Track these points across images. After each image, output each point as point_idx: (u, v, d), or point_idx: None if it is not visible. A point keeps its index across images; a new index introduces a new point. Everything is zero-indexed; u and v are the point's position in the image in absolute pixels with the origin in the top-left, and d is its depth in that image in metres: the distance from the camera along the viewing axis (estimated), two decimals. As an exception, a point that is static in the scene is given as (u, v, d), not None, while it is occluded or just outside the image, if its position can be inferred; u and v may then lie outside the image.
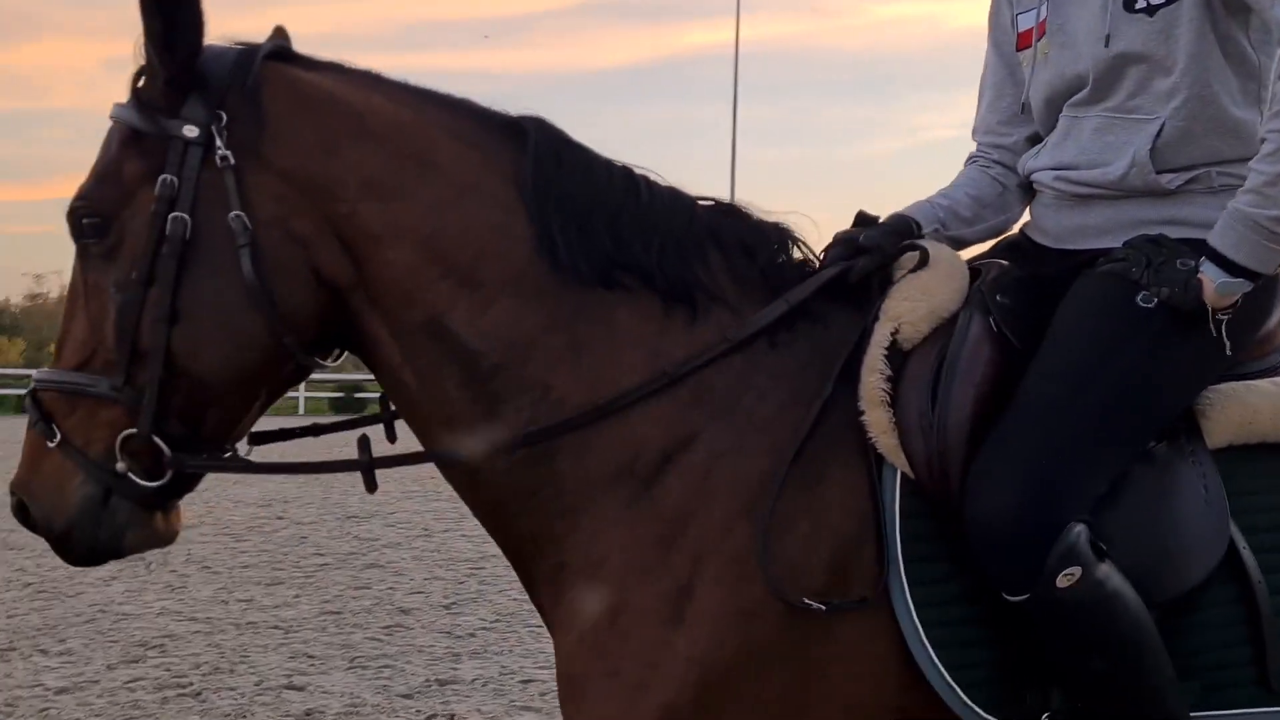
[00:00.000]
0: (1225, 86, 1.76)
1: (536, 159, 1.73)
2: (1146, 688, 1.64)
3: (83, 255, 1.73)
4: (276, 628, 5.95)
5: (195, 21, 1.69)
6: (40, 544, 6.34)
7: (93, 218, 1.70)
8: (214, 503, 10.69)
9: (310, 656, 5.37)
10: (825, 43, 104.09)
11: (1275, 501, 1.76)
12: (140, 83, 1.72)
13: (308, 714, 4.52)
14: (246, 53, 1.74)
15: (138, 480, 1.68)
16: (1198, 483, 1.72)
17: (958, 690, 1.63)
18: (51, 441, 1.69)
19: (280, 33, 1.84)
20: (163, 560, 7.79)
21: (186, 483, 1.76)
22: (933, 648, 1.62)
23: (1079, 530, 1.61)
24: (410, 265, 1.70)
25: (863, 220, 1.91)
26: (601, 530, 1.67)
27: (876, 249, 1.81)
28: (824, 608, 1.60)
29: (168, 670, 5.13)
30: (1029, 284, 1.83)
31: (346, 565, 7.59)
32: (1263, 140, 1.63)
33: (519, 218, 1.72)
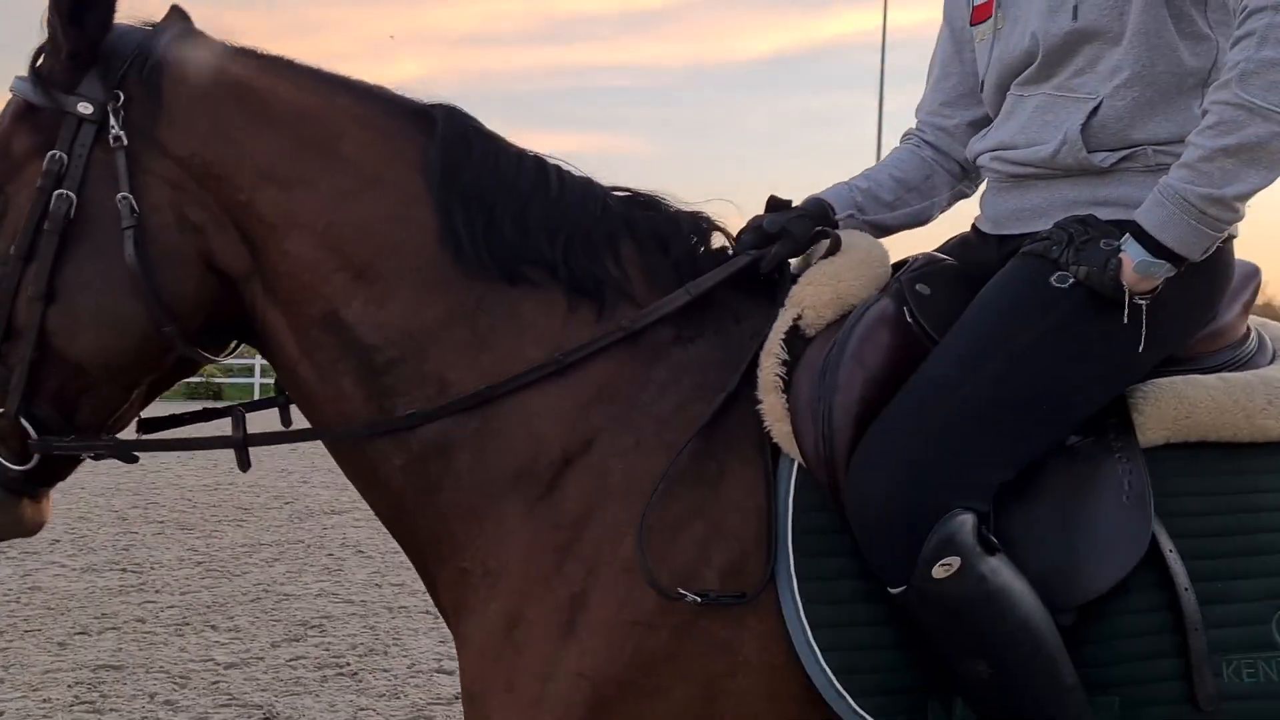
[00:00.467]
0: (1173, 65, 1.63)
1: (443, 148, 1.68)
2: (1039, 697, 1.49)
3: None
4: (427, 613, 6.16)
5: (86, 36, 1.63)
6: (210, 524, 6.71)
7: None
8: (367, 489, 11.12)
9: None
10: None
11: (1210, 505, 1.61)
12: (41, 57, 1.67)
13: (456, 697, 4.68)
14: (152, 34, 1.69)
15: (4, 463, 1.64)
16: (1120, 480, 1.57)
17: (847, 698, 1.50)
18: None
19: (178, 11, 1.77)
20: (320, 543, 8.18)
21: (57, 470, 1.71)
22: (820, 650, 1.50)
23: (962, 519, 1.48)
24: (307, 257, 1.65)
25: (775, 205, 1.81)
26: (502, 536, 1.61)
27: (788, 236, 1.73)
28: (698, 599, 1.50)
29: (326, 650, 5.38)
30: (957, 275, 1.73)
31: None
32: (1205, 112, 1.50)
33: (423, 208, 1.66)
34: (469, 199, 1.67)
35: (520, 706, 1.55)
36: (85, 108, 1.63)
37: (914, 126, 2.00)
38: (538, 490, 1.60)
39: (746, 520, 1.56)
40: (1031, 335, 1.57)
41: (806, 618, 1.51)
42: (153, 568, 7.25)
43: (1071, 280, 1.56)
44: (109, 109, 1.62)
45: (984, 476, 1.54)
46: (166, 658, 5.20)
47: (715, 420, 1.59)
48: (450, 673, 4.98)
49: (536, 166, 1.73)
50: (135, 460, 1.76)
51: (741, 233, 1.79)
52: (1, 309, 1.61)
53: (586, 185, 1.76)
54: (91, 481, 11.37)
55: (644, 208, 1.78)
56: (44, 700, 4.55)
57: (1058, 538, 1.55)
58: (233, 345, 1.82)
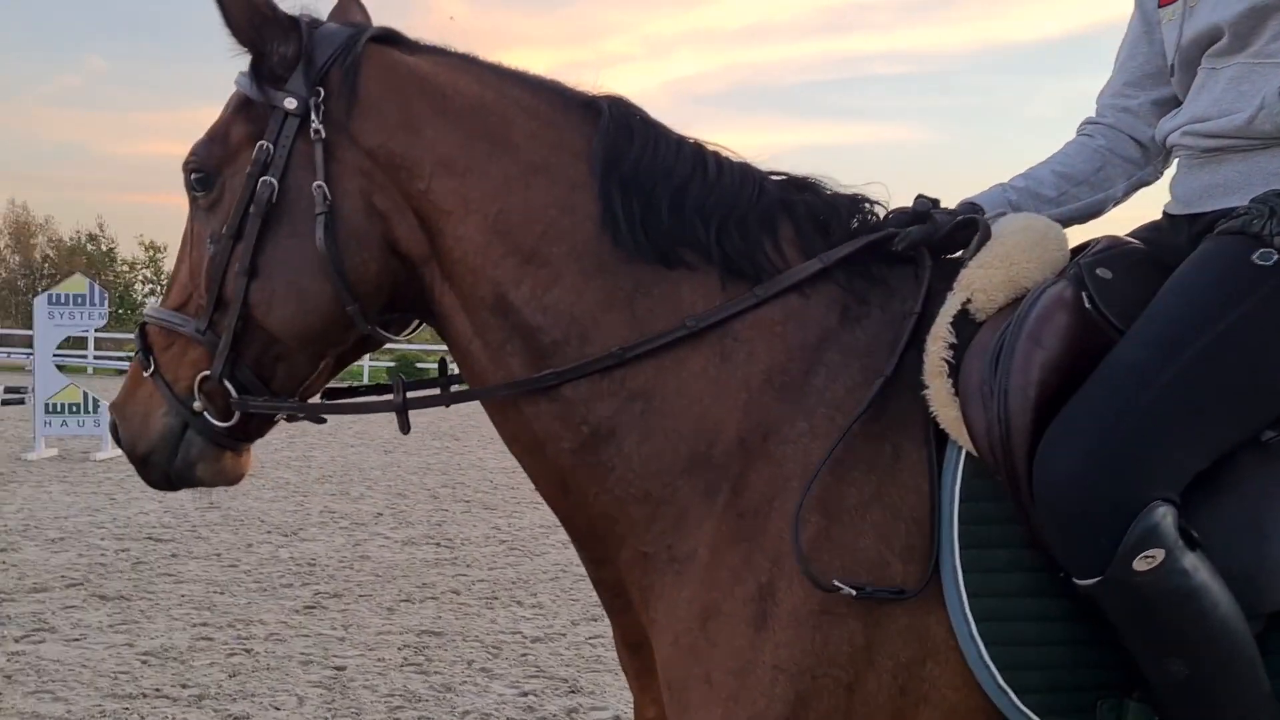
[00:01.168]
0: None
1: (606, 137, 1.73)
2: (1235, 702, 1.41)
3: (192, 206, 1.83)
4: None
5: (293, 36, 1.77)
6: (510, 505, 7.20)
7: (200, 173, 1.80)
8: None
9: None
10: None
11: None
12: (257, 55, 1.79)
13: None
14: (353, 35, 1.79)
15: (211, 419, 1.78)
16: None
17: (1009, 693, 1.45)
18: (147, 371, 1.81)
19: (359, 9, 1.91)
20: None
21: (256, 428, 1.84)
22: (984, 643, 1.45)
23: (1164, 510, 1.40)
24: (479, 241, 1.71)
25: (922, 202, 1.78)
26: (685, 523, 1.62)
27: (930, 220, 1.71)
28: (854, 592, 1.46)
29: (622, 631, 5.67)
30: (1144, 259, 1.62)
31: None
32: None
33: (586, 194, 1.71)
34: (628, 185, 1.72)
35: (720, 700, 1.56)
36: (291, 103, 1.75)
37: (1092, 114, 1.92)
38: (716, 477, 1.62)
39: (921, 504, 1.55)
40: (1234, 317, 1.48)
41: (971, 611, 1.47)
42: (463, 544, 7.85)
43: (1277, 256, 1.48)
44: (311, 104, 1.75)
45: (1182, 467, 1.47)
46: (480, 628, 5.65)
47: (883, 404, 1.57)
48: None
49: (695, 153, 1.77)
50: (323, 422, 1.91)
51: (888, 214, 1.79)
52: (214, 282, 1.76)
53: (744, 170, 1.78)
54: (406, 461, 12.41)
55: (801, 190, 1.79)
56: (379, 659, 5.07)
57: (1249, 538, 1.46)
58: (414, 325, 1.91)
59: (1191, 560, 1.41)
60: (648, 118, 1.81)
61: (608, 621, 4.48)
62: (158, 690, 4.55)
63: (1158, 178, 1.91)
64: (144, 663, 4.89)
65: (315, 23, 1.84)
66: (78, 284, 12.35)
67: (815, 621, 1.52)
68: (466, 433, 15.83)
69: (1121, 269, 1.62)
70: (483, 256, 1.73)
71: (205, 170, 1.80)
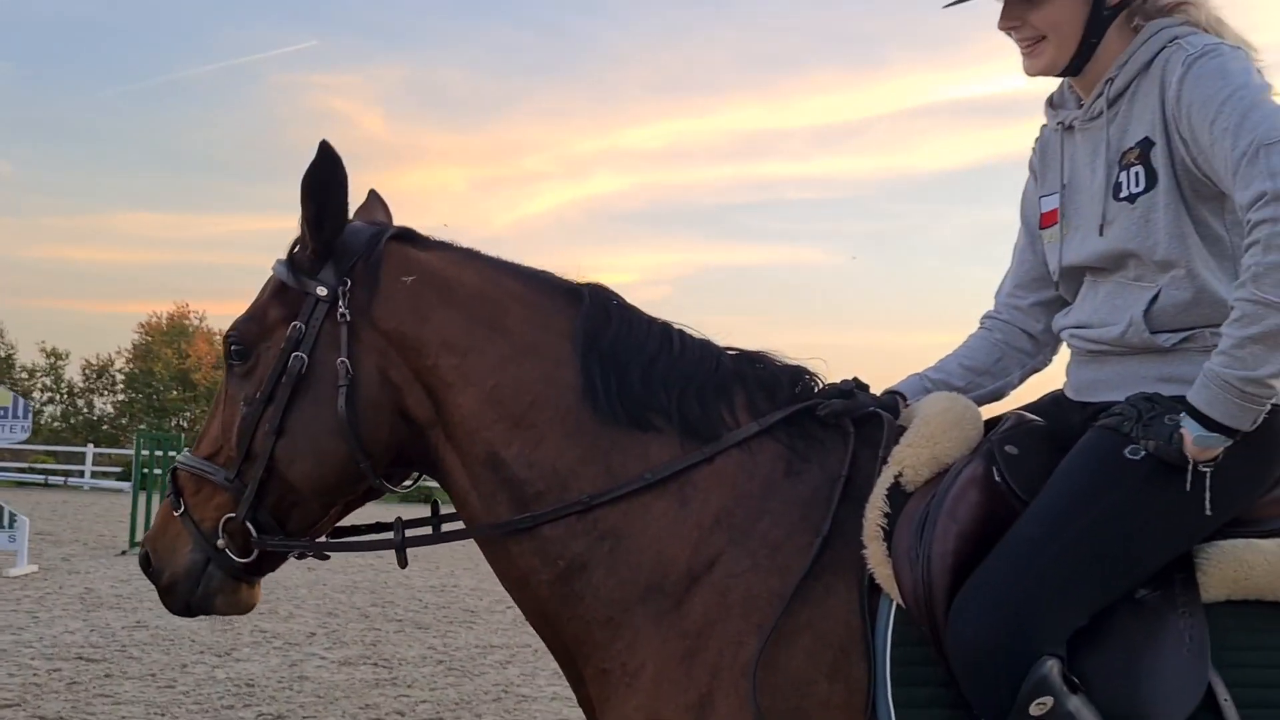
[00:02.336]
0: (1206, 264, 1.89)
1: (587, 320, 2.06)
2: None
3: (228, 371, 2.13)
4: None
5: (340, 212, 2.09)
6: (443, 624, 7.35)
7: (239, 345, 2.11)
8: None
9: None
10: None
11: (1266, 658, 1.77)
12: (295, 248, 2.12)
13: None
14: (376, 234, 2.12)
15: (232, 555, 2.07)
16: (1183, 633, 1.76)
17: None
18: (177, 512, 2.11)
19: (375, 195, 2.31)
20: (545, 649, 8.65)
21: (269, 563, 2.14)
22: None
23: (1052, 663, 1.71)
24: (476, 409, 2.03)
25: (857, 384, 2.13)
26: (637, 642, 1.90)
27: (853, 397, 2.06)
28: None
29: (570, 751, 5.79)
30: (1045, 435, 1.97)
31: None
32: (1231, 307, 1.73)
33: (569, 369, 2.03)
34: (606, 360, 2.03)
35: None
36: (322, 290, 2.08)
37: (992, 309, 2.30)
38: (667, 604, 1.90)
39: (848, 636, 1.84)
40: (1109, 501, 1.80)
41: None
42: (400, 664, 7.86)
43: (1143, 453, 1.79)
44: (339, 292, 2.07)
45: (1067, 624, 1.77)
46: (429, 749, 5.70)
47: (819, 552, 1.88)
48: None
49: (663, 331, 2.10)
50: (327, 558, 2.22)
51: (824, 387, 2.12)
52: (244, 438, 2.06)
53: (704, 346, 2.11)
54: (332, 579, 12.30)
55: (753, 362, 2.11)
56: (332, 780, 5.09)
57: (1124, 682, 1.75)
58: (414, 477, 2.22)
59: (1075, 703, 1.71)
60: (623, 301, 2.14)
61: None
62: (113, 813, 4.52)
63: (1047, 364, 2.30)
64: (94, 785, 4.85)
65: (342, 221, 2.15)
66: (1, 396, 12.18)
67: None
68: (390, 552, 15.70)
69: (1026, 446, 1.95)
70: (479, 421, 2.04)
71: (244, 344, 2.12)
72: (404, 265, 2.11)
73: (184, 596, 2.12)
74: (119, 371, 45.38)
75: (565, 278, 2.17)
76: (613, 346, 2.05)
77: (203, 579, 2.10)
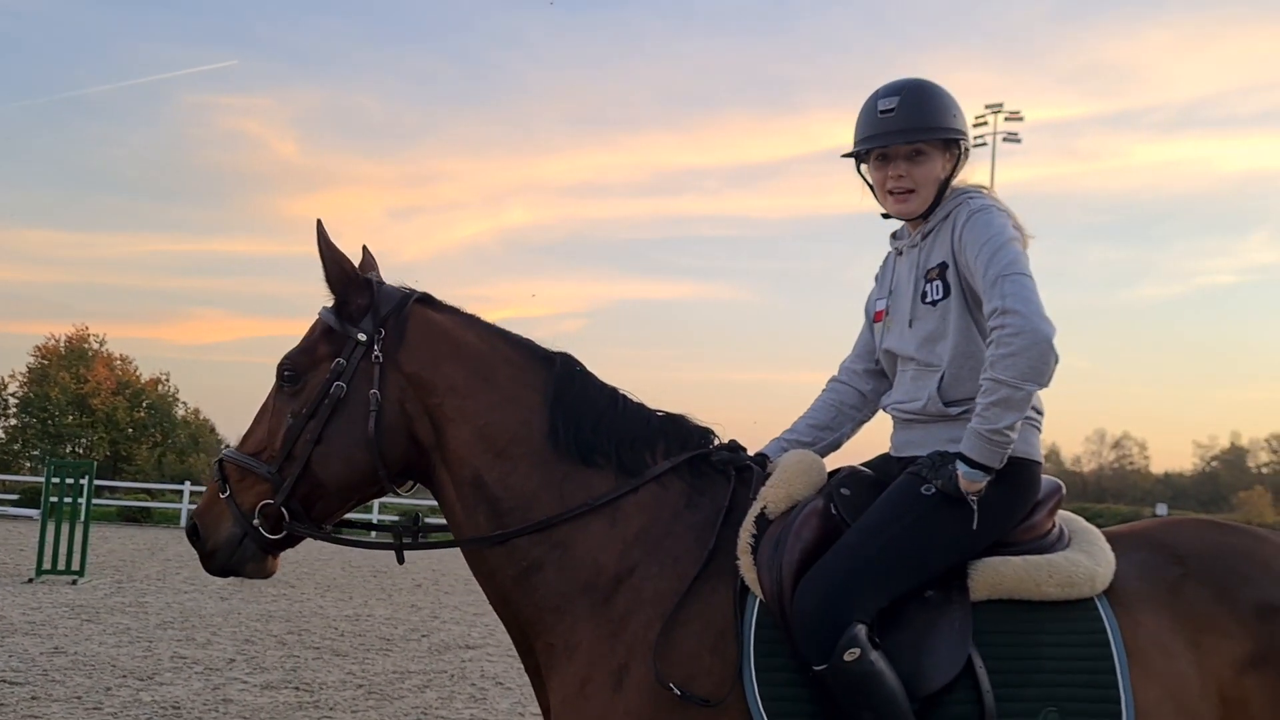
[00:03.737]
0: (979, 351, 2.55)
1: (556, 382, 2.71)
2: None
3: (278, 388, 2.73)
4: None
5: (349, 280, 2.73)
6: (360, 651, 7.84)
7: (291, 372, 2.71)
8: (494, 626, 11.98)
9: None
10: (1084, 185, 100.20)
11: (1009, 638, 2.47)
12: (341, 300, 2.75)
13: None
14: (405, 297, 2.76)
15: (264, 533, 2.65)
16: (954, 619, 2.46)
17: None
18: (223, 494, 2.68)
19: (367, 252, 2.88)
20: (461, 674, 9.01)
21: (290, 542, 2.71)
22: (768, 715, 2.39)
23: (860, 627, 2.38)
24: (467, 441, 2.66)
25: (734, 446, 2.81)
26: (576, 625, 2.54)
27: (732, 454, 2.76)
28: (679, 693, 2.37)
29: (489, 766, 6.17)
30: (869, 481, 2.68)
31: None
32: (981, 385, 2.44)
33: (540, 417, 2.68)
34: (566, 413, 2.69)
35: None
36: (361, 335, 2.70)
37: (835, 374, 3.00)
38: (599, 597, 2.55)
39: (725, 621, 2.49)
40: (907, 522, 2.49)
41: (760, 694, 2.41)
42: (321, 688, 8.13)
43: (933, 489, 2.49)
44: (374, 338, 2.70)
45: (873, 604, 2.45)
46: (356, 765, 6.04)
47: (707, 564, 2.54)
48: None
49: (610, 394, 2.76)
50: (338, 542, 2.83)
51: (720, 444, 2.79)
52: (289, 443, 2.65)
53: (640, 407, 2.78)
54: (245, 608, 12.43)
55: (673, 421, 2.78)
56: (266, 793, 5.40)
57: (912, 654, 2.42)
58: (410, 485, 2.80)
59: (875, 655, 2.38)
60: (584, 369, 2.80)
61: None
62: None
63: (871, 417, 3.01)
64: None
65: (379, 283, 2.82)
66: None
67: (654, 691, 2.44)
68: (301, 579, 15.82)
69: (855, 488, 2.65)
70: (469, 450, 2.68)
71: (295, 371, 2.73)
72: (424, 324, 2.75)
73: (222, 561, 2.69)
74: (12, 396, 44.13)
75: (543, 346, 2.81)
76: (572, 403, 2.70)
77: (238, 549, 2.67)
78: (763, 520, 2.58)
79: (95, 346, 45.14)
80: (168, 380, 46.99)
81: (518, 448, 2.67)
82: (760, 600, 2.49)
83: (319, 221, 2.72)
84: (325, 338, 2.75)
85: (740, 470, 2.73)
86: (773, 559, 2.50)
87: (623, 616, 2.52)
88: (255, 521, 2.65)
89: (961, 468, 2.46)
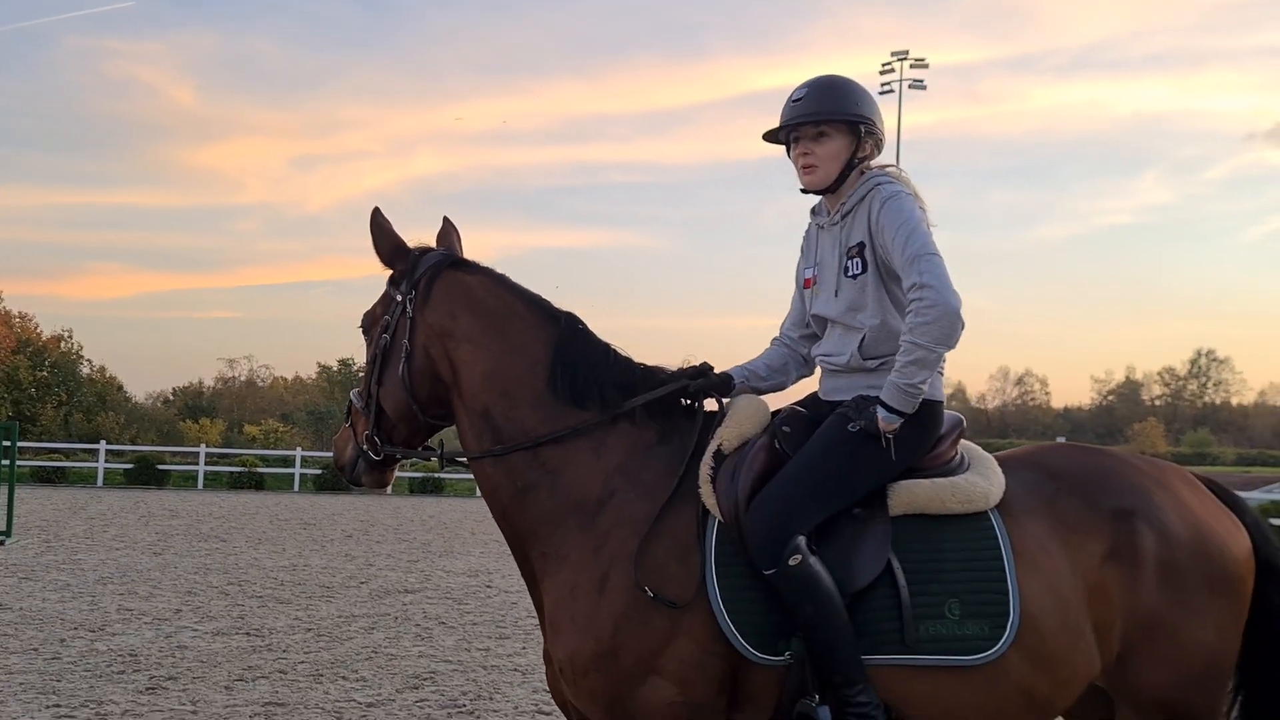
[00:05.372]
0: (895, 318, 3.08)
1: (560, 336, 3.20)
2: (835, 631, 2.87)
3: (367, 345, 3.36)
4: (516, 670, 7.38)
5: (395, 250, 3.31)
6: (303, 599, 8.45)
7: (364, 327, 3.38)
8: (429, 572, 12.39)
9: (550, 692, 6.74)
10: (985, 129, 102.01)
11: (921, 546, 3.00)
12: (391, 269, 3.33)
13: (559, 730, 5.86)
14: (439, 261, 3.28)
15: (370, 454, 3.29)
16: (876, 531, 3.00)
17: (738, 636, 2.88)
18: (346, 424, 3.37)
19: (449, 223, 3.46)
20: (405, 616, 9.39)
21: (392, 462, 3.35)
22: (725, 611, 2.88)
23: (801, 539, 2.89)
24: (479, 381, 3.18)
25: (701, 368, 3.29)
26: (567, 538, 3.04)
27: (705, 379, 3.24)
28: (652, 595, 2.87)
29: (443, 694, 6.60)
30: (805, 419, 3.19)
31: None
32: (900, 345, 2.96)
33: (543, 366, 3.18)
34: (565, 363, 3.18)
35: (578, 630, 2.96)
36: (399, 296, 3.29)
37: (777, 336, 3.48)
38: (585, 517, 3.04)
39: (689, 537, 2.97)
40: (838, 454, 3.01)
41: (720, 595, 2.89)
42: (271, 633, 8.46)
43: (858, 427, 2.99)
44: (408, 298, 3.27)
45: (811, 519, 2.96)
46: (317, 699, 6.41)
47: (676, 491, 3.03)
48: (548, 714, 6.20)
49: (603, 348, 3.24)
50: (427, 458, 3.43)
51: (684, 370, 3.26)
52: (368, 385, 3.30)
53: (628, 361, 3.25)
54: (180, 563, 12.62)
55: (652, 370, 3.25)
56: (236, 726, 5.75)
57: (842, 559, 2.94)
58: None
59: (814, 560, 2.89)
60: (585, 327, 3.28)
61: (427, 689, 5.84)
62: (46, 758, 5.07)
63: (811, 374, 3.49)
64: (19, 738, 5.36)
65: (424, 250, 3.38)
66: None
67: (631, 594, 2.92)
68: (231, 534, 15.99)
69: (795, 425, 3.15)
70: (479, 388, 3.22)
71: (365, 327, 3.42)
72: (449, 284, 3.28)
73: (349, 475, 3.39)
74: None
75: (554, 306, 3.29)
76: (571, 355, 3.20)
77: (358, 465, 3.33)
78: (720, 455, 3.08)
79: (-9, 303, 43.77)
80: (70, 337, 45.94)
81: (521, 390, 3.17)
82: (719, 521, 2.98)
83: (376, 209, 3.30)
84: (382, 301, 3.38)
85: (707, 412, 3.22)
86: (729, 487, 3.01)
87: (605, 533, 3.02)
88: (364, 446, 3.29)
89: (881, 412, 2.98)
